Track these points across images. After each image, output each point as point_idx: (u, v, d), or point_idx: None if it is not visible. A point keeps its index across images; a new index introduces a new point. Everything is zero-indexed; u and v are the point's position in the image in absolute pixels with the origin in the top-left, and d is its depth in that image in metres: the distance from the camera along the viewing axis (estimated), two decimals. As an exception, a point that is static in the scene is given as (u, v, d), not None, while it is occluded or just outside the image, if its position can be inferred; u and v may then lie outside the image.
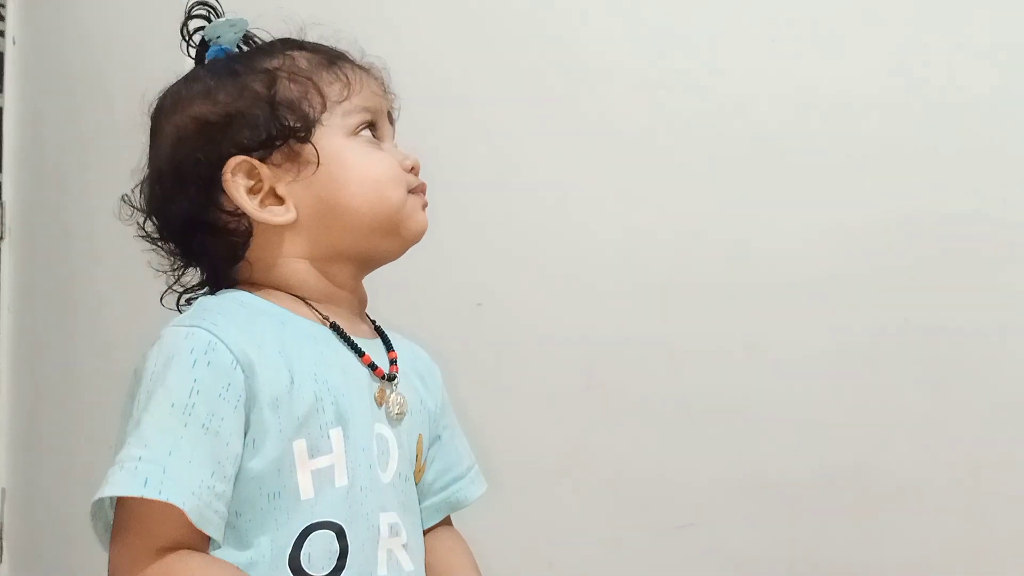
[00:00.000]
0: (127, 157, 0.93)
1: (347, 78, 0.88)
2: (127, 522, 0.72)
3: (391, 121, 0.93)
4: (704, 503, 1.81)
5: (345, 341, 0.85)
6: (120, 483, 0.70)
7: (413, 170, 0.90)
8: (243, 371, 0.75)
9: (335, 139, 0.86)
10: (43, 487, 2.19)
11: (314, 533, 0.75)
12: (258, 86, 0.85)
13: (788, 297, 1.79)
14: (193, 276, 0.93)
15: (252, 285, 0.86)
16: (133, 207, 0.90)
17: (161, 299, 0.92)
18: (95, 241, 2.12)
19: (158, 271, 0.91)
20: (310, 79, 0.87)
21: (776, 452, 1.78)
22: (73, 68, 2.20)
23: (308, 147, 0.85)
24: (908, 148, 1.74)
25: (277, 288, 0.86)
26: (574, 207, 1.91)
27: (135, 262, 0.92)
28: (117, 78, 2.11)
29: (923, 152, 1.74)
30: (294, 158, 0.85)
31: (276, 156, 0.85)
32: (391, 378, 0.86)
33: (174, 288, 0.91)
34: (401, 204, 0.88)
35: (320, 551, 0.75)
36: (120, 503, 0.73)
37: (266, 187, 0.85)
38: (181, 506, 0.69)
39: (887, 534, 1.72)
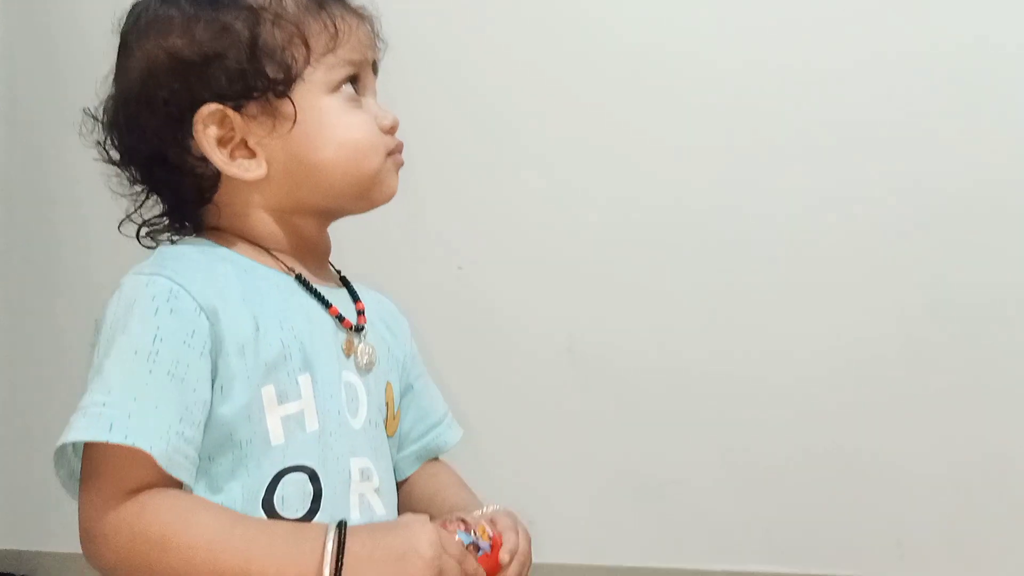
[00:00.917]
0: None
1: (335, 27, 0.82)
2: (95, 468, 0.71)
3: (375, 71, 0.89)
4: (683, 469, 1.83)
5: (310, 292, 0.83)
6: (84, 428, 0.69)
7: (391, 130, 0.87)
8: (207, 318, 0.73)
9: (316, 97, 0.82)
10: (28, 452, 2.20)
11: (287, 476, 0.75)
12: (240, 26, 0.79)
13: (775, 269, 1.80)
14: (155, 207, 0.87)
15: (216, 231, 0.84)
16: (95, 119, 0.85)
17: (119, 227, 0.87)
18: (80, 208, 2.11)
19: (115, 192, 0.86)
20: (296, 26, 0.81)
21: (758, 421, 1.79)
22: (54, 32, 2.18)
23: (286, 102, 0.80)
24: (912, 122, 1.74)
25: (241, 237, 0.83)
26: (558, 173, 1.91)
27: (121, 227, 0.88)
28: (100, 41, 2.09)
29: (924, 127, 1.73)
30: (270, 112, 0.81)
31: (251, 107, 0.80)
32: (358, 329, 0.85)
33: (132, 218, 0.87)
34: (377, 171, 0.84)
35: (294, 494, 0.75)
36: (86, 450, 0.71)
37: (237, 138, 0.81)
38: (149, 450, 0.68)
39: (861, 500, 1.75)
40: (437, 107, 1.89)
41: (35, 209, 2.21)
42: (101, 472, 0.70)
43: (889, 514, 1.73)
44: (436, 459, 0.96)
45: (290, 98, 0.80)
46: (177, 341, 0.72)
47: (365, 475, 0.80)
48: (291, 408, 0.76)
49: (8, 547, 2.14)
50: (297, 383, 0.77)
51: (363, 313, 0.87)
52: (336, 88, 0.83)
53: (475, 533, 0.75)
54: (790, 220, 1.79)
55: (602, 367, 1.88)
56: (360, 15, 0.87)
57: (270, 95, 0.80)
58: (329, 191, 0.83)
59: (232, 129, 0.81)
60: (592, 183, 1.89)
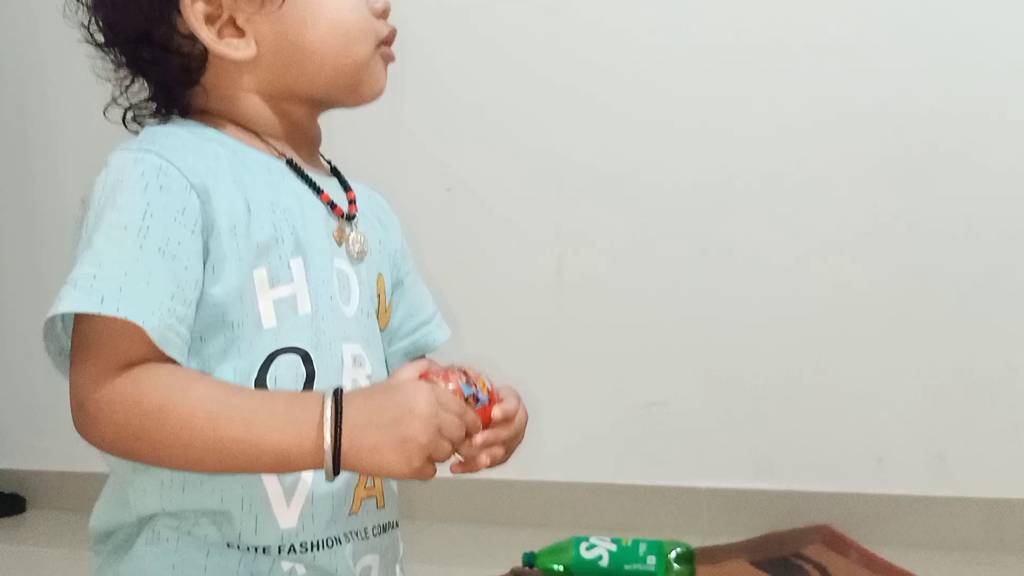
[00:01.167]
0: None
1: None
2: (87, 342, 0.68)
3: None
4: (668, 385, 1.86)
5: (302, 177, 0.81)
6: (75, 300, 0.66)
7: (383, 13, 0.83)
8: (197, 196, 0.71)
9: None
10: (17, 374, 2.20)
11: (280, 358, 0.73)
12: None
13: (760, 188, 1.81)
14: (141, 91, 0.84)
15: (205, 114, 0.81)
16: (80, 0, 0.81)
17: (104, 112, 0.84)
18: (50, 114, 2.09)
19: (100, 77, 0.83)
20: None
21: (738, 338, 1.82)
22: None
23: None
24: (875, 42, 1.74)
25: (231, 120, 0.80)
26: (547, 94, 1.89)
27: (106, 112, 0.85)
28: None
29: (891, 47, 1.73)
30: None
31: None
32: (350, 217, 0.83)
33: (119, 101, 0.83)
34: (366, 61, 0.81)
35: (286, 374, 0.74)
36: (77, 325, 0.69)
37: (225, 15, 0.78)
38: (141, 324, 0.66)
39: (841, 416, 1.78)
40: (428, 30, 1.86)
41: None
42: (93, 346, 0.68)
43: (868, 430, 1.76)
44: (423, 357, 0.94)
45: None
46: (168, 218, 0.70)
47: (357, 362, 0.79)
48: (283, 291, 0.75)
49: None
50: (289, 267, 0.75)
51: (354, 202, 0.85)
52: None
53: (476, 385, 0.74)
54: (775, 143, 1.79)
55: (590, 289, 1.89)
56: None
57: None
58: (318, 77, 0.80)
59: (220, 6, 0.78)
60: (581, 104, 1.87)
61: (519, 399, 0.80)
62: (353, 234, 0.83)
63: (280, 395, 0.72)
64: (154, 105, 0.83)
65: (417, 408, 0.69)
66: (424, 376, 0.73)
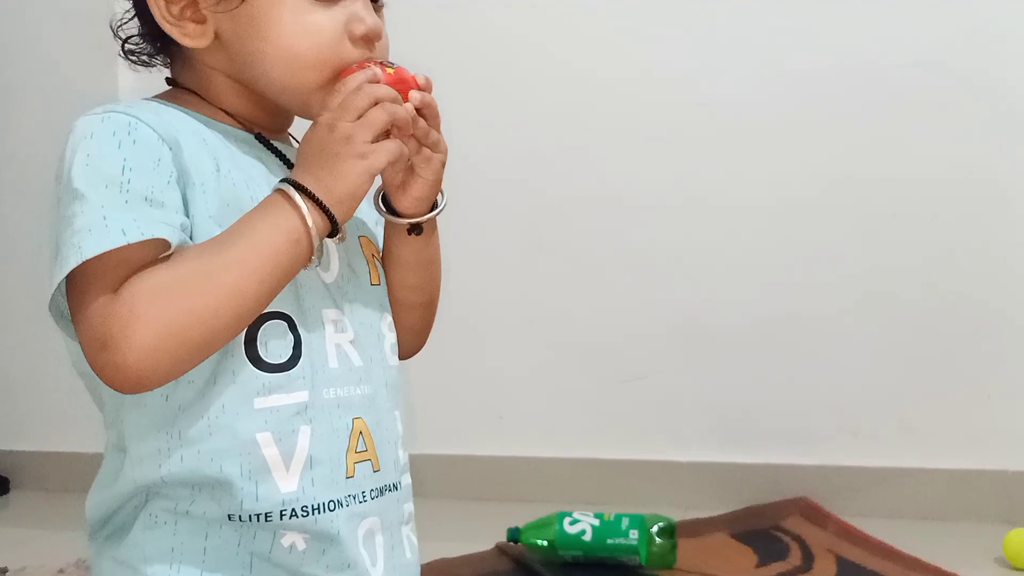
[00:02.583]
0: None
1: None
2: (86, 287, 0.68)
3: None
4: (646, 357, 1.87)
5: (271, 150, 0.80)
6: (97, 242, 0.66)
7: (365, 39, 0.77)
8: (169, 148, 0.71)
9: None
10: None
11: (267, 324, 0.74)
12: None
13: (729, 150, 1.82)
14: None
15: (178, 90, 0.80)
16: None
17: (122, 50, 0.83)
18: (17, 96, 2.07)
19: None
20: None
21: (715, 302, 1.83)
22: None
23: None
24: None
25: (203, 96, 0.79)
26: (521, 64, 1.89)
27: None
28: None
29: (866, 3, 1.74)
30: None
31: None
32: None
33: (118, 33, 0.83)
34: (316, 88, 0.77)
35: (276, 340, 0.74)
36: (73, 280, 0.69)
37: None
38: (168, 237, 0.68)
39: (815, 389, 1.80)
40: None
41: None
42: (92, 286, 0.68)
43: (841, 402, 1.79)
44: None
45: None
46: (146, 169, 0.70)
47: (339, 327, 0.79)
48: None
49: (-19, 447, 2.15)
50: None
51: None
52: None
53: (387, 64, 0.77)
54: (736, 106, 1.81)
55: (567, 262, 1.90)
56: None
57: None
58: (268, 87, 0.78)
59: None
60: (553, 74, 1.87)
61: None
62: None
63: (254, 210, 0.73)
64: (147, 48, 0.83)
65: (320, 127, 0.73)
66: (341, 72, 0.76)
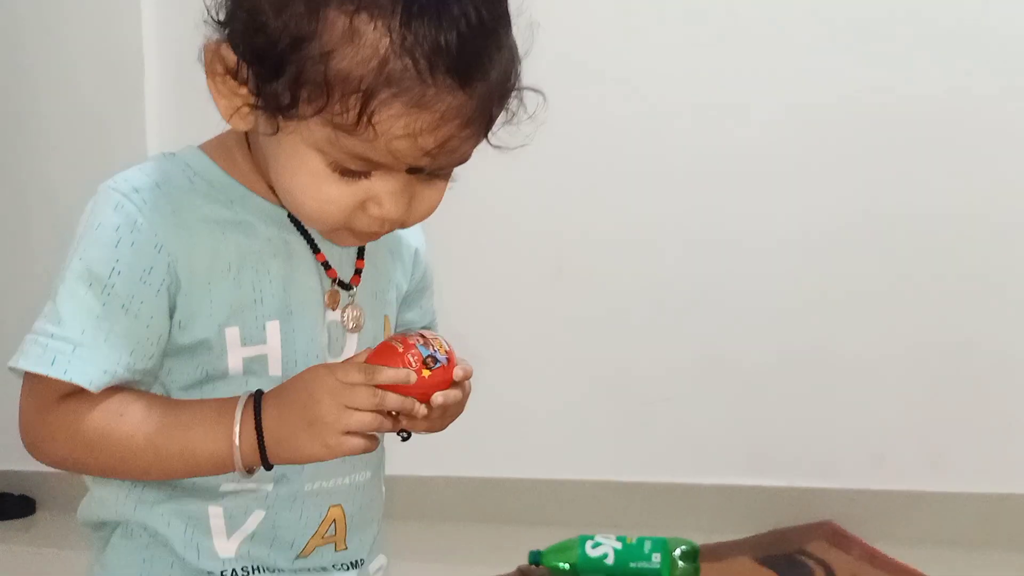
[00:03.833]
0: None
1: (369, 123, 0.65)
2: (31, 380, 0.73)
3: (416, 171, 0.70)
4: (669, 384, 1.87)
5: (300, 231, 0.77)
6: (31, 357, 0.71)
7: (381, 220, 0.72)
8: (167, 254, 0.71)
9: (301, 144, 0.68)
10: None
11: None
12: (315, 24, 0.65)
13: (754, 185, 1.82)
14: None
15: (241, 144, 0.76)
16: None
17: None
18: (44, 126, 2.10)
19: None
20: (350, 78, 0.64)
21: (739, 336, 1.83)
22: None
23: (275, 117, 0.68)
24: (875, 29, 1.75)
25: (255, 160, 0.75)
26: (547, 94, 1.89)
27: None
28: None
29: (890, 36, 1.74)
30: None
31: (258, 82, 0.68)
32: (346, 286, 0.79)
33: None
34: (323, 231, 0.75)
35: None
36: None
37: (241, 87, 0.69)
38: (87, 386, 0.70)
39: (841, 413, 1.79)
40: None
41: None
42: (40, 381, 0.72)
43: (868, 427, 1.77)
44: None
45: (279, 123, 0.68)
46: (134, 277, 0.71)
47: None
48: (254, 351, 0.75)
49: (8, 467, 2.17)
50: (264, 328, 0.75)
51: (360, 273, 0.80)
52: (327, 164, 0.69)
53: (433, 347, 0.74)
54: (771, 131, 1.81)
55: (589, 285, 1.90)
56: (446, 104, 0.66)
57: (259, 98, 0.68)
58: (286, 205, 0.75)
59: (241, 75, 0.69)
60: (580, 106, 1.88)
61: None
62: (349, 308, 0.79)
63: (209, 405, 0.73)
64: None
65: (315, 393, 0.70)
66: (382, 344, 0.74)
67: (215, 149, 0.78)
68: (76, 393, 0.71)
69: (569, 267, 1.91)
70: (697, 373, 1.85)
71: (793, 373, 1.80)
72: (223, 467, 0.72)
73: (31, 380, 0.73)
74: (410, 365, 0.72)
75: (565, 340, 1.92)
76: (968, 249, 1.73)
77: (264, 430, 0.71)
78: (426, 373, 0.72)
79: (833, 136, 1.78)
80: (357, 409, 0.70)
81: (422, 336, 0.74)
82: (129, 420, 0.72)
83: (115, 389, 0.73)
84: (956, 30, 1.71)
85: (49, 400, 0.72)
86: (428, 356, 0.73)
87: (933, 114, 1.73)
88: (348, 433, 0.70)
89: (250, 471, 0.73)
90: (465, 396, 0.76)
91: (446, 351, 0.74)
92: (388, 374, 0.70)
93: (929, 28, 1.72)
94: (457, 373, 0.74)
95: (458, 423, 1.97)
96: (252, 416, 0.71)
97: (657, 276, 1.86)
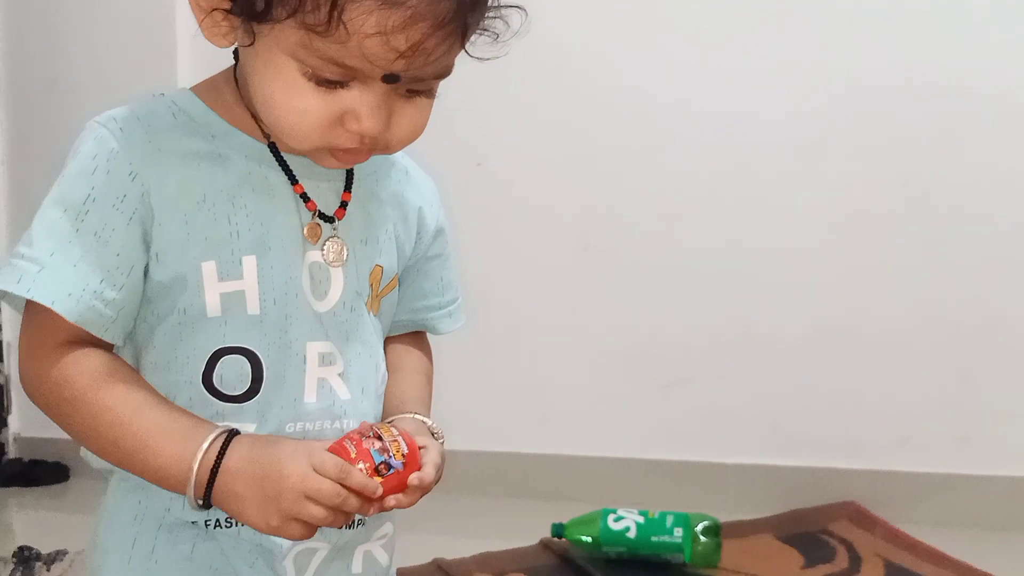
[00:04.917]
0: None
1: (340, 22, 0.65)
2: (30, 316, 0.73)
3: (393, 79, 0.70)
4: (694, 361, 1.87)
5: (280, 164, 0.76)
6: (2, 276, 0.71)
7: (360, 134, 0.72)
8: (141, 183, 0.72)
9: (275, 50, 0.69)
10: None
11: (225, 358, 0.74)
12: None
13: (784, 159, 1.81)
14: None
15: (228, 81, 0.77)
16: None
17: None
18: (78, 94, 2.12)
19: None
20: None
21: (767, 311, 1.83)
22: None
23: (249, 24, 0.69)
24: (908, 7, 1.73)
25: (241, 93, 0.76)
26: (574, 69, 1.89)
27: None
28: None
29: (922, 14, 1.72)
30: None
31: None
32: (329, 219, 0.77)
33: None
34: (305, 151, 0.74)
35: (232, 374, 0.75)
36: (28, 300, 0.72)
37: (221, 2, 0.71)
38: (50, 305, 0.69)
39: (867, 393, 1.78)
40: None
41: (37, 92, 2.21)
42: (34, 321, 0.72)
43: (894, 409, 1.77)
44: (411, 348, 0.91)
45: (253, 26, 0.69)
46: (107, 204, 0.72)
47: (326, 359, 0.78)
48: (231, 287, 0.74)
49: (42, 435, 2.21)
50: (240, 263, 0.74)
51: (345, 205, 0.79)
52: (302, 72, 0.70)
53: (390, 452, 0.73)
54: (793, 115, 1.80)
55: (615, 264, 1.90)
56: (419, 23, 0.67)
57: (235, 3, 0.69)
58: (266, 124, 0.75)
59: None
60: (607, 80, 1.87)
61: (440, 454, 0.77)
62: (330, 241, 0.78)
63: (183, 423, 0.73)
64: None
65: (285, 471, 0.70)
66: (337, 443, 0.72)
67: (204, 89, 0.79)
68: (74, 343, 0.72)
69: (595, 242, 1.91)
70: (722, 351, 1.85)
71: (819, 352, 1.80)
72: (166, 485, 0.72)
73: (27, 321, 0.73)
74: (360, 472, 0.71)
75: (590, 316, 1.92)
76: (999, 231, 1.71)
77: (220, 472, 0.70)
78: (377, 479, 0.71)
79: (865, 109, 1.76)
80: (316, 503, 0.69)
81: (379, 438, 0.73)
82: (106, 397, 0.72)
83: (111, 360, 0.73)
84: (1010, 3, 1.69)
85: (43, 344, 0.72)
86: (381, 463, 0.72)
87: (973, 93, 1.70)
88: (295, 520, 0.70)
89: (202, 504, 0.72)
90: (426, 490, 0.75)
91: (402, 455, 0.73)
92: (358, 479, 0.70)
93: (983, 3, 1.70)
94: (412, 480, 0.73)
95: (483, 399, 2.00)
96: (216, 455, 0.70)
97: (683, 252, 1.86)
